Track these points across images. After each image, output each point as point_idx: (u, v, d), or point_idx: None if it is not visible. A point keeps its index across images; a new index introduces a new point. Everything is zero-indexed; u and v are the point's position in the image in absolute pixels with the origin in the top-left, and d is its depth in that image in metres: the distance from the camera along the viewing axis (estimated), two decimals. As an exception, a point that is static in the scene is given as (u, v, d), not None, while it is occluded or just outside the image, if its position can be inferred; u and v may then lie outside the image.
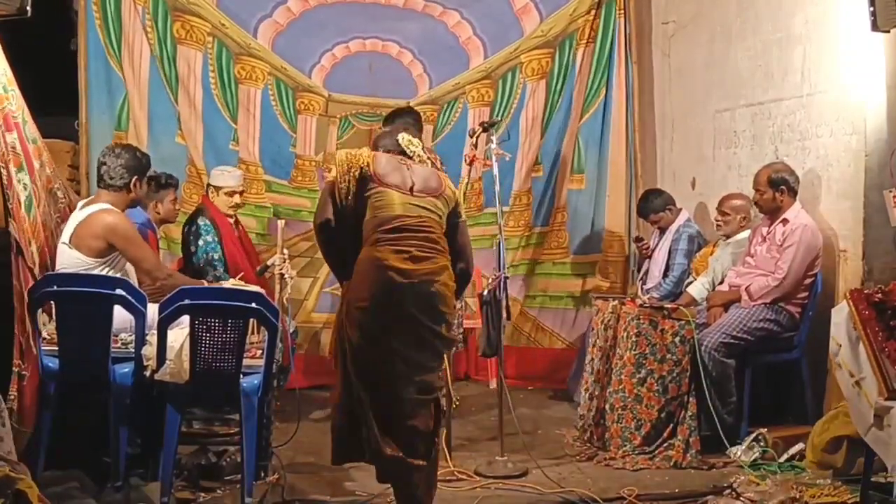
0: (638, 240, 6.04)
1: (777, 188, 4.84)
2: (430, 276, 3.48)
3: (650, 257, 5.87)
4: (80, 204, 4.21)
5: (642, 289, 5.65)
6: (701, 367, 4.59)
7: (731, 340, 4.69)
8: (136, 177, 4.14)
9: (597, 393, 4.83)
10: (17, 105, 4.20)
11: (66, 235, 4.05)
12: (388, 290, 3.43)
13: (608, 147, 6.44)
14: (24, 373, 3.99)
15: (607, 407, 4.72)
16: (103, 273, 3.98)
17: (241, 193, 5.34)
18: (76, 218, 4.07)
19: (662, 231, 5.82)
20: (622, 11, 6.43)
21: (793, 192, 4.86)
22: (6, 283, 4.07)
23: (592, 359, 4.91)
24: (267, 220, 6.20)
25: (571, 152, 6.48)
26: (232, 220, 5.34)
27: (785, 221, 4.82)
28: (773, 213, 4.89)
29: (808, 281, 4.79)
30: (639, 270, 6.10)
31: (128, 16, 5.89)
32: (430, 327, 3.50)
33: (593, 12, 6.43)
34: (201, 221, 5.17)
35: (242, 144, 6.21)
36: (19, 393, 3.98)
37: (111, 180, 4.11)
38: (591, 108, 6.49)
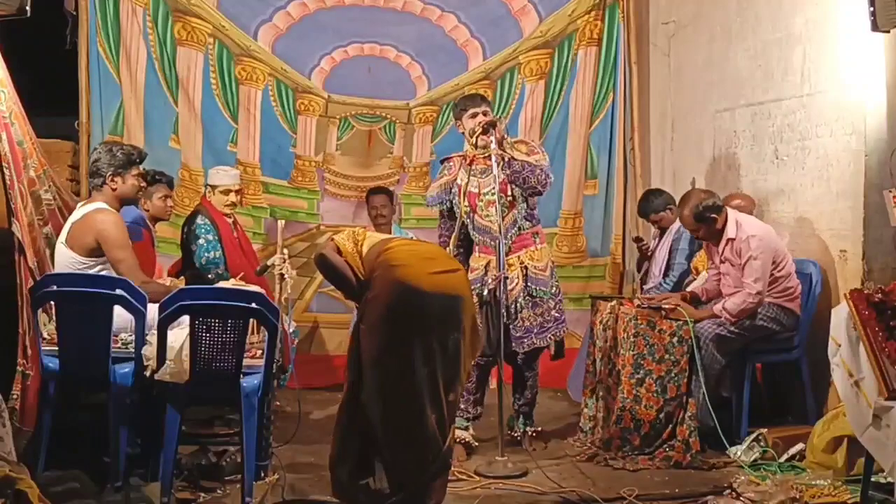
0: (638, 240, 6.04)
1: (706, 221, 4.75)
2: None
3: (650, 257, 5.87)
4: (79, 205, 4.21)
5: (642, 289, 5.64)
6: (698, 360, 4.57)
7: (728, 334, 4.66)
8: (111, 172, 4.06)
9: (601, 394, 4.83)
10: (6, 106, 4.20)
11: (63, 235, 4.05)
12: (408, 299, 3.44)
13: (616, 152, 6.48)
14: (28, 372, 4.00)
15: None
16: (98, 272, 3.97)
17: (237, 192, 5.34)
18: (73, 217, 4.07)
19: (662, 231, 5.82)
20: (623, 14, 6.44)
21: (721, 211, 4.75)
22: (6, 283, 4.08)
23: (595, 360, 4.91)
24: (263, 220, 6.22)
25: (584, 158, 6.50)
26: (230, 220, 5.35)
27: (730, 241, 4.75)
28: (716, 237, 4.82)
29: (780, 273, 4.71)
30: (639, 270, 6.10)
31: (126, 21, 5.90)
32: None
33: (594, 13, 6.44)
34: (200, 220, 5.18)
35: (241, 145, 6.23)
36: (23, 392, 3.99)
37: (91, 179, 4.13)
38: (600, 114, 6.51)
